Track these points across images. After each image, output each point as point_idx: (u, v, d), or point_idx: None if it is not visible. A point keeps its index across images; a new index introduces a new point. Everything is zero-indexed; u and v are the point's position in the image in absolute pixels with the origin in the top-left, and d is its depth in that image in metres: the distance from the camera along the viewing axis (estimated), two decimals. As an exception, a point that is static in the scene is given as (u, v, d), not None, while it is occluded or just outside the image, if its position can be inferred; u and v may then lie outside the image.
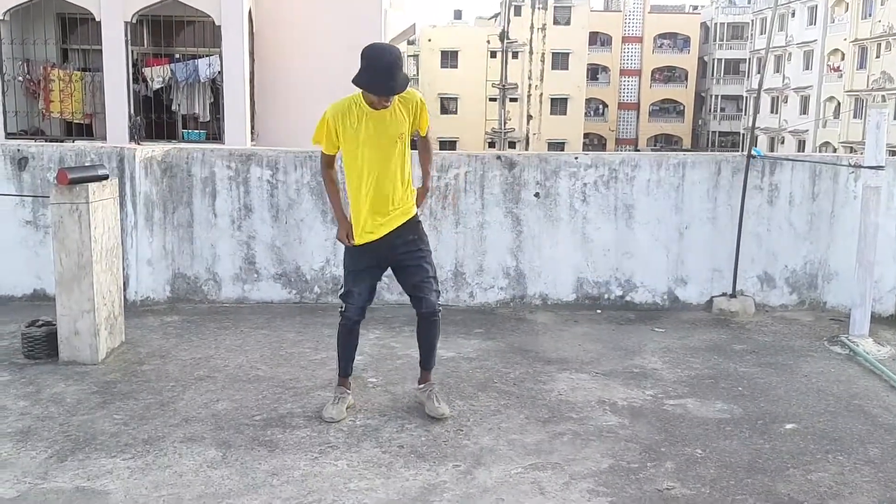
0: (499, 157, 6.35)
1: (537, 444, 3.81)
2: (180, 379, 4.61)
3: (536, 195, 6.30)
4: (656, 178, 6.30)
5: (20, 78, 12.59)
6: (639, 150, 55.36)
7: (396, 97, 3.80)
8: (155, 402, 4.25)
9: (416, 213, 4.08)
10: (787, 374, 4.90)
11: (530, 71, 51.39)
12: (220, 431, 3.88)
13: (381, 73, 3.64)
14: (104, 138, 12.27)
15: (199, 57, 12.91)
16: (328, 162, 4.08)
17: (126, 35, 12.23)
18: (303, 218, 6.30)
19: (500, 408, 4.26)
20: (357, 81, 3.69)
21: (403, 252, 4.00)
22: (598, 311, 6.34)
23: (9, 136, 12.15)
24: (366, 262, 4.02)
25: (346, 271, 4.10)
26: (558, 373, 4.85)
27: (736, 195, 6.26)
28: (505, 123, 42.99)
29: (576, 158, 6.36)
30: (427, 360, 4.21)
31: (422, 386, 4.23)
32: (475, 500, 3.27)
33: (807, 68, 47.10)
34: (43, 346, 4.85)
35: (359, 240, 3.97)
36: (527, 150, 47.76)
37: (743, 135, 52.61)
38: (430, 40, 50.81)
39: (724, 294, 6.37)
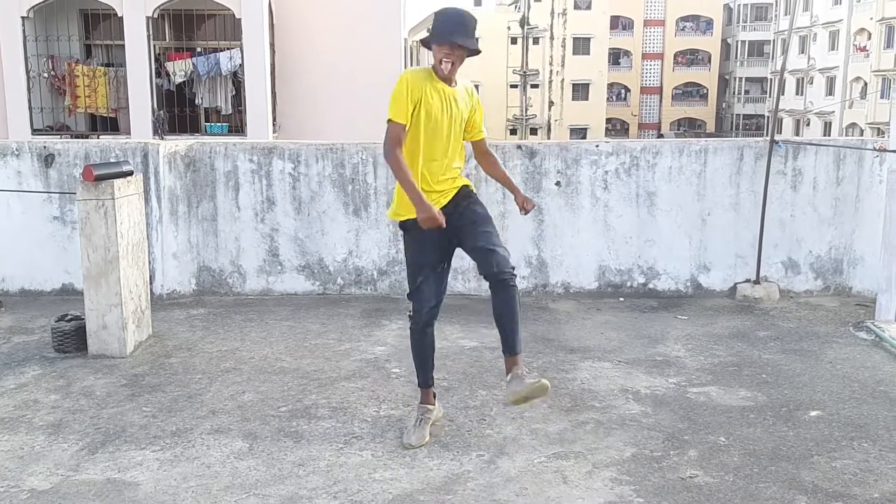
0: (519, 147, 6.34)
1: (560, 433, 3.83)
2: (207, 371, 4.68)
3: (557, 184, 6.30)
4: (678, 165, 6.27)
5: (45, 74, 12.75)
6: (662, 135, 54.90)
7: (462, 87, 3.61)
8: (182, 394, 4.32)
9: (470, 187, 3.75)
10: (812, 361, 4.87)
11: (551, 56, 51.05)
12: (246, 423, 3.94)
13: (448, 25, 3.45)
14: (128, 132, 12.41)
15: (221, 50, 13.00)
16: (398, 136, 3.48)
17: (148, 30, 12.34)
18: (325, 210, 6.34)
19: (523, 397, 4.28)
20: (425, 39, 3.55)
21: (462, 216, 3.61)
22: (621, 298, 6.33)
23: (35, 132, 12.33)
24: (430, 247, 3.60)
25: (410, 268, 3.71)
26: (581, 361, 4.86)
27: (759, 181, 6.21)
28: (526, 110, 42.80)
29: (597, 146, 6.34)
30: (511, 341, 3.52)
31: (508, 377, 3.52)
32: (498, 489, 3.30)
33: (833, 49, 46.32)
34: (72, 340, 4.95)
35: (410, 213, 3.54)
36: (549, 136, 47.56)
37: (767, 117, 51.94)
38: (449, 28, 50.53)
39: (747, 280, 6.33)
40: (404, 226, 3.69)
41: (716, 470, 3.46)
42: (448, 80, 3.56)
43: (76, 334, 4.95)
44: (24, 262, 6.30)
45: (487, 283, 3.54)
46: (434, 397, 3.87)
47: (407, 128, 3.50)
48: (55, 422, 3.95)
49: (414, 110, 3.48)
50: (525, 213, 3.87)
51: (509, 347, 3.54)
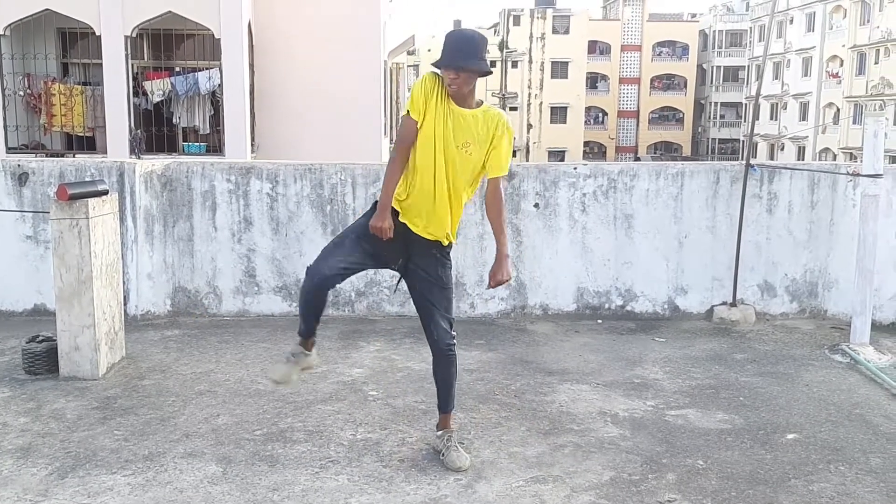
0: (498, 169, 6.35)
1: (538, 457, 3.81)
2: (181, 394, 4.61)
3: (536, 205, 6.31)
4: (655, 188, 6.31)
5: (21, 92, 12.64)
6: (639, 158, 55.44)
7: (483, 109, 3.51)
8: (155, 417, 4.25)
9: (451, 246, 3.69)
10: (789, 384, 4.90)
11: (530, 80, 51.56)
12: (220, 446, 3.88)
13: (454, 48, 3.37)
14: (105, 151, 12.32)
15: (199, 70, 12.97)
16: (408, 132, 3.47)
17: (126, 49, 12.29)
18: (303, 230, 6.30)
19: (501, 420, 4.26)
20: (435, 63, 3.43)
21: (424, 265, 3.60)
22: (599, 321, 6.34)
23: (10, 150, 12.20)
24: (380, 242, 3.51)
25: (349, 230, 3.70)
26: (559, 384, 4.84)
27: (735, 204, 6.27)
28: (505, 132, 43.08)
29: (575, 169, 6.37)
30: (444, 401, 3.75)
31: (440, 433, 3.77)
32: (476, 513, 3.26)
33: (806, 75, 47.19)
34: (43, 361, 4.85)
35: (398, 208, 3.55)
36: (527, 158, 47.84)
37: (743, 142, 52.65)
38: (429, 50, 50.89)
39: (724, 303, 6.37)
40: (375, 206, 3.60)
41: (694, 493, 3.45)
42: (461, 101, 3.46)
43: (47, 356, 4.86)
44: (-5, 282, 6.19)
45: (428, 343, 3.69)
46: (312, 346, 3.76)
47: (420, 125, 3.45)
48: (24, 445, 3.86)
49: (425, 110, 3.44)
50: (492, 286, 3.65)
51: (442, 406, 3.78)
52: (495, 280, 3.61)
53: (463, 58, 3.38)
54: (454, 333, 3.69)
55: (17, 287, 6.22)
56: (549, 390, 4.73)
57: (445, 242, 3.64)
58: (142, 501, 3.33)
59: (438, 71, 3.45)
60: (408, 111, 3.49)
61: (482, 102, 3.56)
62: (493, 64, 46.44)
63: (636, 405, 4.51)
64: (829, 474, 3.66)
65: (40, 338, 4.97)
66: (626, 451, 3.89)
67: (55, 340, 4.86)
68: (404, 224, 3.57)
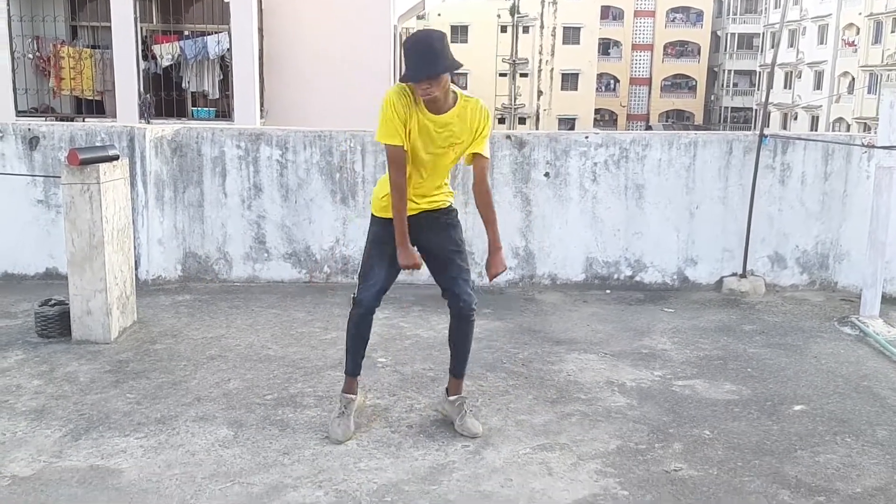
0: (508, 137, 6.32)
1: (545, 425, 3.84)
2: (192, 358, 4.65)
3: (546, 175, 6.29)
4: (667, 158, 6.27)
5: (30, 55, 12.58)
6: (650, 126, 55.01)
7: (461, 104, 3.43)
8: (167, 381, 4.30)
9: (452, 205, 3.72)
10: (797, 355, 4.90)
11: (541, 45, 50.97)
12: (231, 411, 3.92)
13: (418, 57, 3.26)
14: (115, 115, 12.28)
15: (208, 34, 12.86)
16: (400, 162, 3.41)
17: (135, 12, 12.18)
18: (312, 198, 6.30)
19: (509, 388, 4.29)
20: (402, 76, 3.33)
21: (435, 237, 3.60)
22: (608, 291, 6.34)
23: (19, 113, 12.17)
24: (391, 239, 3.52)
25: (366, 252, 3.66)
26: (567, 353, 4.87)
27: (747, 175, 6.23)
28: (515, 99, 42.74)
29: (586, 138, 6.33)
30: (461, 366, 3.75)
31: (452, 398, 3.77)
32: (483, 480, 3.30)
33: (821, 43, 46.51)
34: (56, 325, 4.90)
35: (385, 215, 3.56)
36: (537, 125, 47.53)
37: (756, 110, 52.12)
38: (439, 15, 50.40)
39: (734, 274, 6.36)
40: (374, 220, 3.66)
41: (700, 463, 3.48)
42: (437, 106, 3.39)
43: (60, 319, 4.91)
44: (7, 246, 6.23)
45: (447, 306, 3.66)
46: (357, 385, 3.78)
47: (406, 149, 3.40)
48: (38, 407, 3.91)
49: (405, 130, 3.38)
50: (490, 280, 3.64)
51: (456, 371, 3.77)
52: (491, 273, 3.58)
53: (429, 65, 3.25)
54: (476, 299, 3.66)
55: (28, 251, 6.26)
56: (557, 359, 4.75)
57: (447, 205, 3.67)
58: (154, 463, 3.38)
59: (402, 84, 3.37)
60: (383, 141, 3.41)
61: (456, 95, 3.45)
62: (503, 29, 45.99)
63: (644, 375, 4.53)
64: (836, 446, 3.67)
65: (53, 301, 5.01)
66: (632, 420, 3.92)
67: (68, 304, 4.90)
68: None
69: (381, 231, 3.60)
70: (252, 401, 4.05)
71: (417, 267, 3.51)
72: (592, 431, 3.78)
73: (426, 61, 3.26)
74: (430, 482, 3.27)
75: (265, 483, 3.23)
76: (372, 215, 3.69)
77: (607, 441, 3.68)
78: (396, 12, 14.98)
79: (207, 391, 4.17)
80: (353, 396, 3.74)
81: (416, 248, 3.58)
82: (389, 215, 3.51)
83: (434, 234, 3.62)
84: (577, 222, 6.35)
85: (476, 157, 3.53)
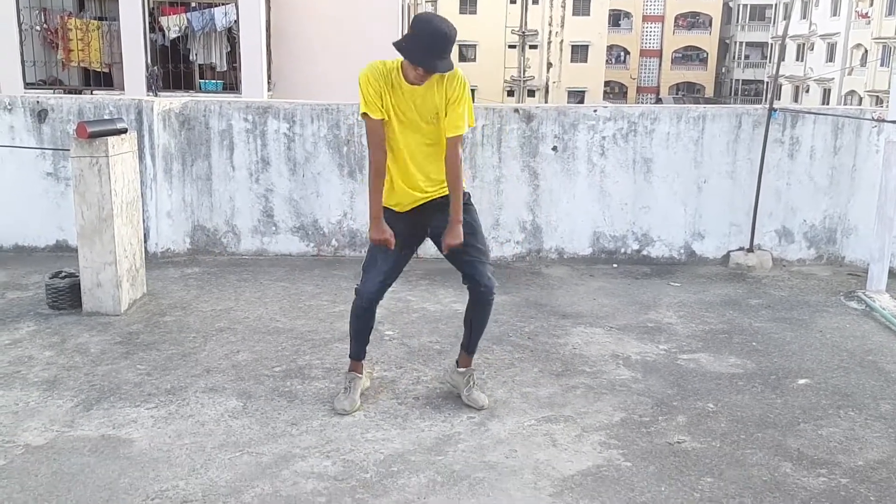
0: (516, 111, 6.30)
1: (550, 397, 3.88)
2: (201, 330, 4.70)
3: (554, 149, 6.27)
4: (676, 132, 6.25)
5: (38, 27, 12.56)
6: (660, 99, 54.56)
7: (437, 76, 3.35)
8: (177, 352, 4.35)
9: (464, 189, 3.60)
10: (802, 330, 4.92)
11: (551, 17, 50.40)
12: (240, 382, 3.98)
13: (430, 46, 3.21)
14: (122, 87, 12.29)
15: (215, 6, 12.81)
16: (378, 135, 3.40)
17: (142, -17, 12.14)
18: (320, 171, 6.31)
19: (515, 361, 4.32)
20: (401, 46, 3.24)
21: (444, 224, 3.50)
22: (615, 265, 6.35)
23: (27, 85, 12.19)
24: (399, 232, 3.51)
25: (369, 250, 3.63)
26: (573, 327, 4.89)
27: (756, 149, 6.20)
28: (524, 71, 42.40)
29: (594, 111, 6.30)
30: (473, 342, 3.80)
31: (462, 370, 3.82)
32: (488, 451, 3.34)
33: (834, 14, 45.86)
34: (67, 297, 4.95)
35: (396, 207, 3.55)
36: (546, 98, 47.20)
37: (767, 83, 51.60)
38: (448, -14, 49.92)
39: (741, 248, 6.36)
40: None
41: (703, 436, 3.52)
42: (417, 80, 3.34)
43: (70, 291, 4.96)
44: (17, 218, 6.28)
45: (467, 289, 3.64)
46: (362, 367, 3.82)
47: (385, 121, 3.39)
48: (50, 378, 3.98)
49: (383, 105, 3.36)
50: (444, 251, 3.54)
51: (469, 347, 3.82)
52: (446, 244, 3.49)
53: (437, 58, 3.23)
54: (496, 282, 3.64)
55: (38, 223, 6.31)
56: (563, 333, 4.78)
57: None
58: (165, 433, 3.44)
59: (381, 61, 3.35)
60: (365, 113, 3.38)
61: None
62: (513, 0, 45.46)
63: (649, 349, 4.56)
64: (839, 419, 3.70)
65: (63, 274, 5.06)
66: (637, 393, 3.95)
67: (78, 276, 4.95)
68: (408, 211, 3.55)
69: (387, 220, 3.55)
70: (261, 372, 4.10)
71: (389, 244, 3.48)
72: (597, 404, 3.82)
73: (436, 54, 3.22)
74: (435, 453, 3.32)
75: (274, 453, 3.29)
76: None
77: (611, 413, 3.72)
78: (405, -17, 14.85)
79: (217, 363, 4.22)
80: (358, 375, 3.79)
81: (430, 234, 3.60)
82: (392, 205, 3.53)
83: (443, 219, 3.52)
84: (585, 196, 6.34)
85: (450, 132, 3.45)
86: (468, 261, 3.57)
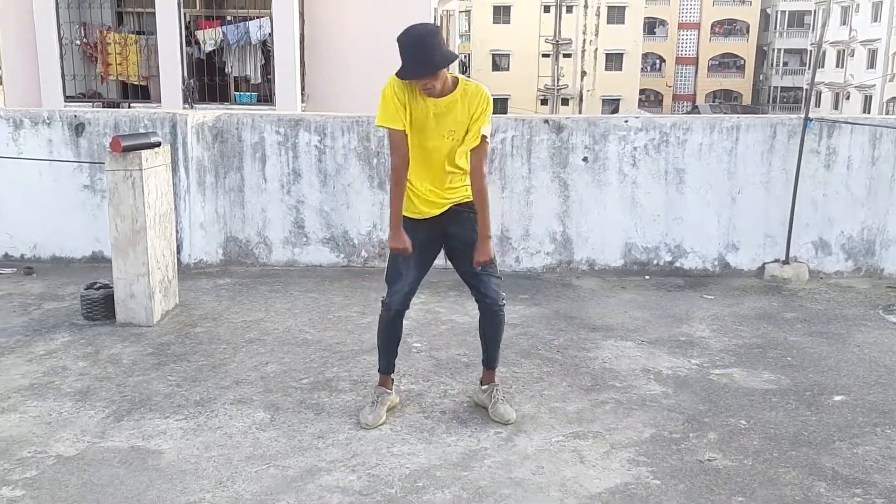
0: (546, 121, 6.28)
1: (579, 413, 3.83)
2: (231, 341, 4.74)
3: (585, 159, 6.23)
4: (709, 142, 6.17)
5: (78, 42, 12.83)
6: (696, 107, 53.97)
7: (462, 88, 3.42)
8: (207, 363, 4.39)
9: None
10: (839, 344, 4.81)
11: (585, 25, 50.26)
12: (268, 394, 4.00)
13: (412, 56, 3.28)
14: (159, 100, 12.47)
15: (250, 19, 12.97)
16: (401, 146, 3.43)
17: (178, -2, 12.33)
18: (350, 183, 6.34)
19: (543, 375, 4.28)
20: (399, 72, 3.36)
21: (460, 231, 3.58)
22: (647, 276, 6.28)
23: (68, 99, 12.44)
24: (419, 239, 3.55)
25: (392, 254, 3.64)
26: (603, 340, 4.84)
27: (791, 159, 6.09)
28: (558, 80, 42.29)
29: (626, 122, 6.25)
30: (491, 357, 3.82)
31: (485, 387, 3.83)
32: (515, 467, 3.31)
33: (875, 20, 45.07)
34: (101, 307, 5.03)
35: (415, 215, 3.59)
36: (580, 107, 47.03)
37: (805, 90, 50.81)
38: (481, -5, 50.04)
39: (776, 260, 6.25)
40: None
41: (735, 453, 3.45)
42: (436, 94, 3.40)
43: (105, 302, 5.04)
44: (54, 230, 6.41)
45: (476, 302, 3.72)
46: (392, 384, 3.83)
47: (406, 133, 3.43)
48: (83, 389, 4.03)
49: (405, 116, 3.40)
50: (475, 267, 3.58)
51: (489, 362, 3.84)
52: (476, 261, 3.54)
53: (423, 63, 3.27)
54: (503, 294, 3.70)
55: (75, 234, 6.42)
56: (593, 346, 4.73)
57: (470, 199, 3.60)
58: (193, 445, 3.47)
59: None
60: (383, 125, 3.43)
61: (457, 80, 3.45)
62: (546, 9, 45.40)
63: (680, 363, 4.49)
64: (875, 437, 3.60)
65: (98, 285, 5.14)
66: (667, 409, 3.89)
67: (112, 287, 5.03)
68: (427, 219, 3.58)
69: (407, 227, 3.58)
70: (288, 384, 4.12)
71: (408, 251, 3.52)
72: (626, 420, 3.77)
73: (419, 59, 3.27)
74: (461, 468, 3.30)
75: (300, 466, 3.29)
76: None
77: (641, 430, 3.66)
78: (437, -6, 14.91)
79: (245, 374, 4.25)
80: (387, 390, 3.80)
81: (445, 245, 3.66)
82: (412, 214, 3.57)
83: (459, 227, 3.60)
84: (616, 207, 6.29)
85: (469, 142, 3.48)
86: (476, 274, 3.62)
